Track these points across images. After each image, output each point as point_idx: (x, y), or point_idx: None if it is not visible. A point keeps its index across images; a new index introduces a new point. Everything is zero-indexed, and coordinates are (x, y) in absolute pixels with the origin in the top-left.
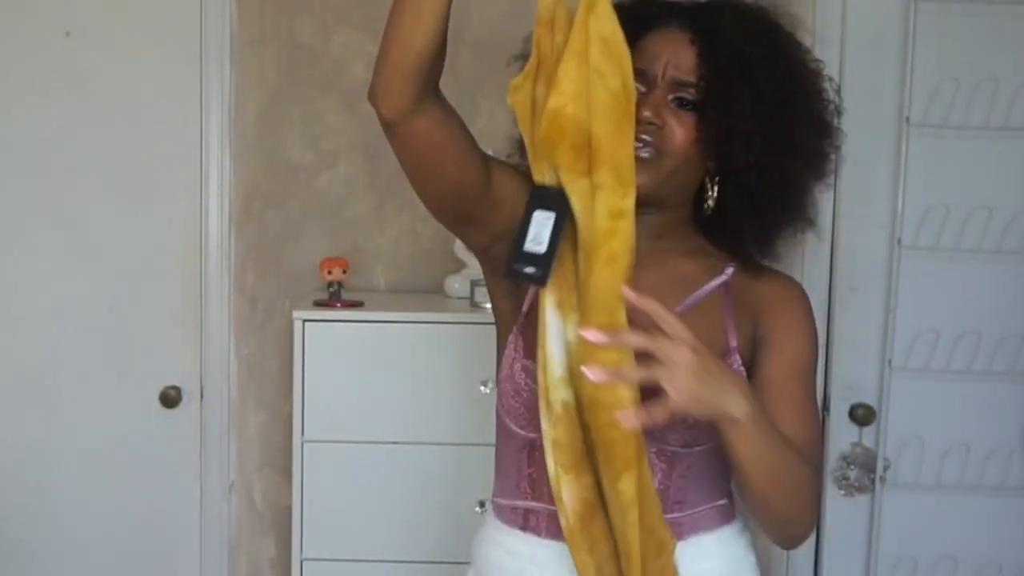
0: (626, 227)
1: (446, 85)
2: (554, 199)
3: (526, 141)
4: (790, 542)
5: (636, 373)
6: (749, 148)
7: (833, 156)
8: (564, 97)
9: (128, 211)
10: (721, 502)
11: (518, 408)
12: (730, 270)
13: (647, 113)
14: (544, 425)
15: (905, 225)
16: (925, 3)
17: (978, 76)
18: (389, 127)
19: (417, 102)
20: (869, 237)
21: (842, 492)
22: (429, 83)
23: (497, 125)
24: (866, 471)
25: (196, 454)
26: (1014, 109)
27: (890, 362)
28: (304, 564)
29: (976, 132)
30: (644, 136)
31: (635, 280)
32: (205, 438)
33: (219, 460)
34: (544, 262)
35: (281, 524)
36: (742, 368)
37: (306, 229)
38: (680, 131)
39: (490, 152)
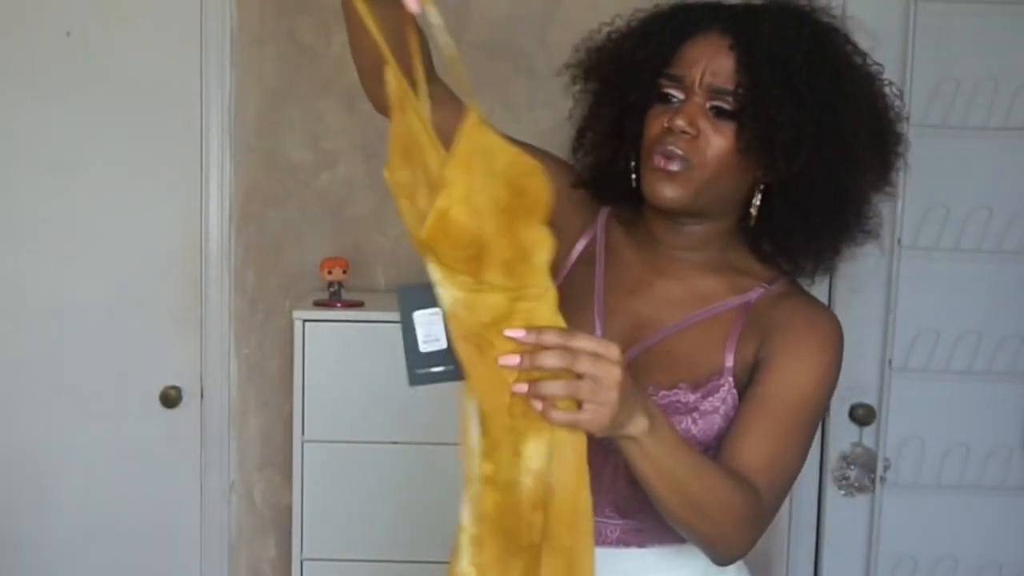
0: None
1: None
2: (427, 294)
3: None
4: (719, 560)
5: (560, 388)
6: (793, 158)
7: (895, 164)
8: (452, 199)
9: (128, 211)
10: None
11: None
12: (759, 291)
13: (680, 122)
14: (464, 519)
15: (905, 225)
16: (925, 3)
17: (978, 76)
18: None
19: None
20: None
21: (842, 492)
22: (405, 74)
23: (497, 124)
24: (866, 471)
25: (196, 454)
26: (1014, 109)
27: (890, 362)
28: (304, 564)
29: (976, 132)
30: (674, 147)
31: (651, 288)
32: (205, 438)
33: (219, 460)
34: (449, 357)
35: (281, 524)
36: (734, 390)
37: (306, 229)
38: (717, 141)
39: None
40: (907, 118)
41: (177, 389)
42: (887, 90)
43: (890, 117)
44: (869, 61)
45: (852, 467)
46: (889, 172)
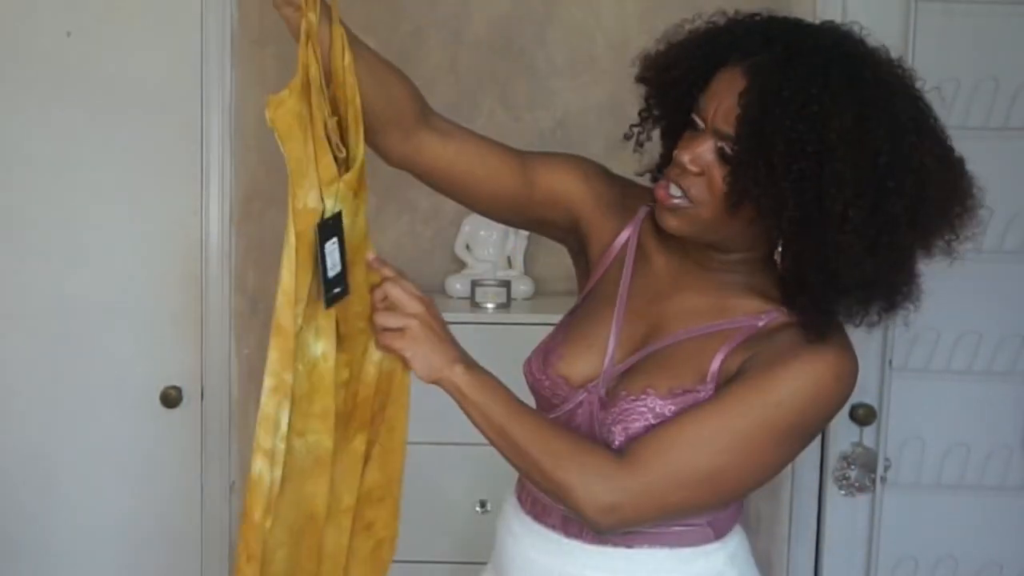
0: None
1: (446, 85)
2: (331, 227)
3: (288, 158)
4: (585, 519)
5: (385, 320)
6: (774, 227)
7: (947, 232)
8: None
9: (128, 211)
10: (693, 525)
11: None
12: (774, 315)
13: (684, 158)
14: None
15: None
16: (925, 3)
17: (978, 76)
18: (405, 170)
19: (403, 144)
20: None
21: (842, 492)
22: (402, 125)
23: (497, 125)
24: (866, 471)
25: (196, 454)
26: (1014, 109)
27: (890, 362)
28: None
29: (976, 132)
30: (675, 183)
31: (672, 299)
32: (205, 438)
33: (219, 460)
34: (343, 277)
35: None
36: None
37: None
38: (716, 183)
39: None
40: (960, 191)
41: (177, 389)
42: (934, 135)
43: (938, 175)
44: (920, 113)
45: (852, 467)
46: (936, 238)
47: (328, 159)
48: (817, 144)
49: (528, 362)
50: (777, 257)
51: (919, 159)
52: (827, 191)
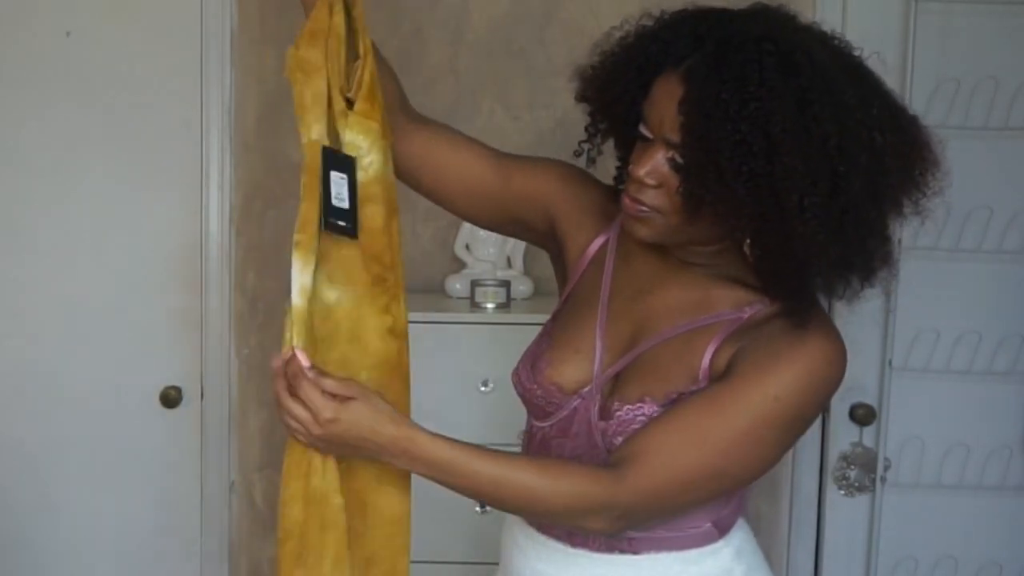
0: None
1: (446, 85)
2: (341, 161)
3: (296, 104)
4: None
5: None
6: (733, 227)
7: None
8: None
9: (128, 211)
10: (699, 527)
11: (520, 395)
12: (757, 307)
13: (640, 172)
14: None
15: (905, 225)
16: (925, 3)
17: (978, 76)
18: None
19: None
20: None
21: (842, 492)
22: (388, 111)
23: (497, 124)
24: (866, 471)
25: (196, 454)
26: (1014, 109)
27: (890, 362)
28: None
29: (976, 132)
30: (637, 197)
31: (653, 295)
32: (205, 438)
33: (219, 460)
34: (351, 216)
35: None
36: None
37: None
38: (674, 192)
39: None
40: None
41: (177, 389)
42: (876, 136)
43: (895, 148)
44: (859, 91)
45: (852, 467)
46: (905, 199)
47: (338, 95)
48: (763, 142)
49: (516, 372)
50: (747, 250)
51: (869, 134)
52: (781, 186)
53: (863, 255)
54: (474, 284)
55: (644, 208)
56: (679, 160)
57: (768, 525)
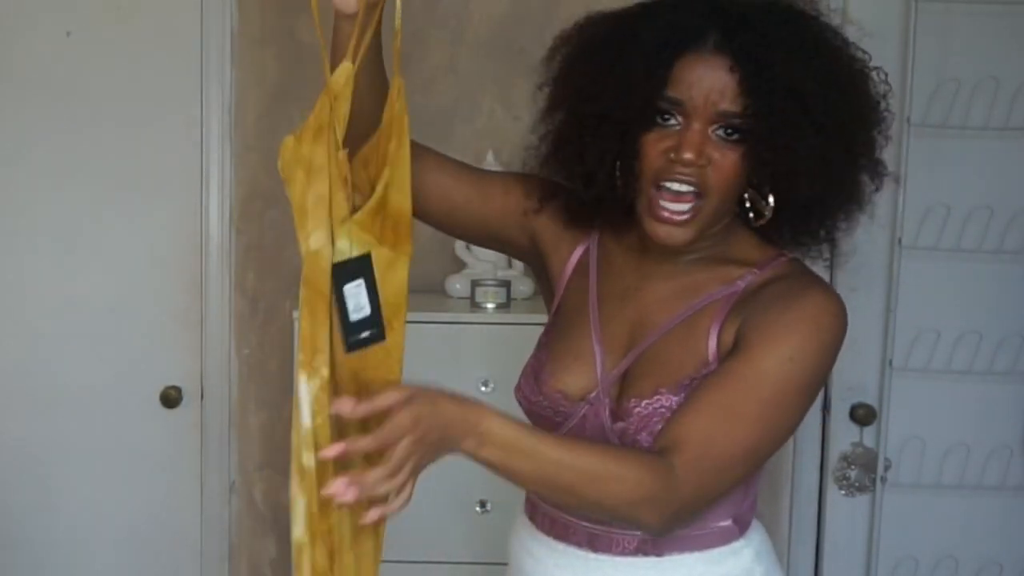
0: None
1: (446, 85)
2: (354, 267)
3: (295, 206)
4: (649, 533)
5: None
6: (814, 182)
7: (880, 142)
8: (388, 183)
9: (128, 211)
10: (721, 524)
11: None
12: (748, 279)
13: (689, 155)
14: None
15: (905, 225)
16: (925, 3)
17: (978, 76)
18: None
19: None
20: (869, 237)
21: (842, 492)
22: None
23: (497, 124)
24: (866, 471)
25: (196, 454)
26: (1014, 109)
27: (890, 362)
28: None
29: (976, 132)
30: (681, 181)
31: (641, 292)
32: (205, 438)
33: (219, 460)
34: (376, 321)
35: (281, 524)
36: None
37: None
38: (725, 166)
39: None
40: (890, 110)
41: (177, 389)
42: (874, 76)
43: (878, 103)
44: (858, 53)
45: (852, 467)
46: (872, 152)
47: (341, 197)
48: (831, 76)
49: (518, 388)
50: (768, 212)
51: (850, 66)
52: (847, 122)
53: (852, 184)
54: (474, 284)
55: (686, 201)
56: (736, 131)
57: (768, 525)
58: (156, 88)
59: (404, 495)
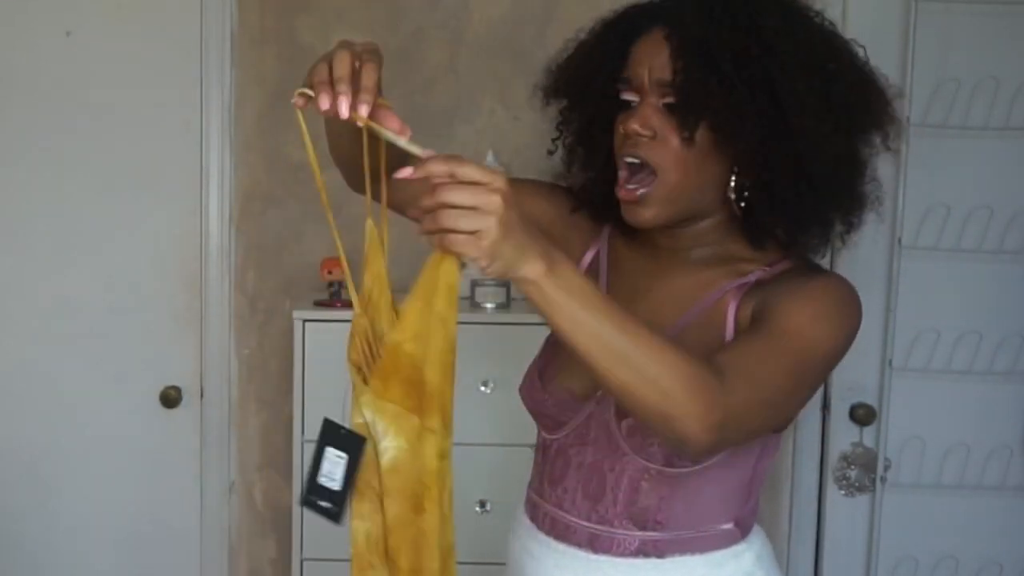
0: (449, 466)
1: (446, 85)
2: (347, 441)
3: (353, 375)
4: (680, 447)
5: (444, 219)
6: (738, 138)
7: (885, 121)
8: (405, 334)
9: (128, 211)
10: (723, 526)
11: (531, 410)
12: (759, 273)
13: (634, 125)
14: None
15: (905, 225)
16: (925, 3)
17: (978, 76)
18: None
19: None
20: (869, 237)
21: (842, 492)
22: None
23: (497, 124)
24: (866, 471)
25: (196, 454)
26: (1014, 109)
27: (890, 362)
28: (304, 564)
29: (976, 132)
30: (633, 155)
31: (652, 291)
32: (205, 438)
33: (219, 460)
34: (339, 500)
35: (281, 524)
36: None
37: (306, 229)
38: (673, 138)
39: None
40: (867, 74)
41: (177, 389)
42: (848, 46)
43: (862, 75)
44: (815, 23)
45: (852, 467)
46: (859, 136)
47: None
48: (758, 45)
49: (522, 388)
50: (732, 194)
51: (845, 44)
52: (779, 83)
53: (855, 166)
54: (474, 284)
55: (638, 181)
56: (673, 99)
57: (768, 525)
58: (156, 88)
59: (470, 237)
